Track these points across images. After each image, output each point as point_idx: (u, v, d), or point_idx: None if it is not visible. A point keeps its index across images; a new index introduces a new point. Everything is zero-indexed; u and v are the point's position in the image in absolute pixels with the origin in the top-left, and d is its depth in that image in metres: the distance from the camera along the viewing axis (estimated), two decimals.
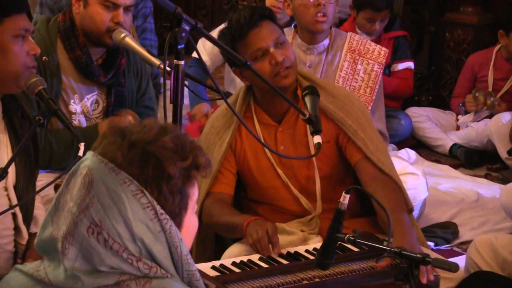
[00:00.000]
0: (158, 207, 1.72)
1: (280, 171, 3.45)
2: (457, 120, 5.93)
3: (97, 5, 3.68)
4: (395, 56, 5.83)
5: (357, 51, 4.45)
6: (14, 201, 2.88)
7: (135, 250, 1.72)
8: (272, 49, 3.33)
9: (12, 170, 2.85)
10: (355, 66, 4.45)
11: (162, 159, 1.74)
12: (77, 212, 1.73)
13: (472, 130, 5.72)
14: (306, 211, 3.44)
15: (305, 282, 2.93)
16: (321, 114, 3.39)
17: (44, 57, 3.65)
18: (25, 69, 2.81)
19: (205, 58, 5.21)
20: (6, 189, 2.88)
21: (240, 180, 3.56)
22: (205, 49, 5.22)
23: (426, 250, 3.28)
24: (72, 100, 3.79)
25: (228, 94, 4.77)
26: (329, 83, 3.72)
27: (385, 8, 5.67)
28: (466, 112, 5.83)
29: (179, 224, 1.77)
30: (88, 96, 3.83)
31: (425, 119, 5.92)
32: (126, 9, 3.72)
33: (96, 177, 1.73)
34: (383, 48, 4.53)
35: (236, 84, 5.17)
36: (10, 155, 2.86)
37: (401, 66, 5.85)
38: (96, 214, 1.71)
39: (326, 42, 4.45)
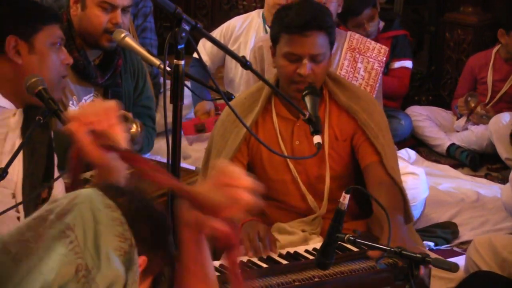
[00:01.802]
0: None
1: (291, 166, 3.46)
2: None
3: (94, 7, 3.68)
4: (393, 54, 5.84)
5: (357, 50, 4.45)
6: (20, 209, 2.86)
7: (91, 263, 1.68)
8: (305, 61, 3.31)
9: (19, 179, 2.85)
10: (355, 64, 4.45)
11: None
12: (54, 218, 1.70)
13: (472, 133, 5.72)
14: (311, 210, 3.45)
15: (305, 282, 2.93)
16: (344, 112, 3.43)
17: None
18: (60, 78, 2.86)
19: (205, 58, 5.21)
20: (14, 196, 2.87)
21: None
22: (205, 49, 5.22)
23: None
24: (70, 102, 3.78)
25: (228, 94, 4.78)
26: (354, 84, 3.74)
27: (365, 9, 5.66)
28: (461, 115, 5.85)
29: None
30: (86, 98, 3.83)
31: (425, 118, 5.92)
32: (124, 9, 3.72)
33: (85, 199, 1.72)
34: (383, 46, 4.53)
35: (235, 85, 5.17)
36: (21, 162, 2.86)
37: (397, 64, 5.86)
38: (73, 219, 1.69)
39: None
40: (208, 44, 5.21)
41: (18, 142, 2.88)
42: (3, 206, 2.78)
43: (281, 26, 3.36)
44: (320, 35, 3.32)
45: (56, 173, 2.98)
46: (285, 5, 3.45)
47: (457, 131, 5.88)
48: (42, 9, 2.90)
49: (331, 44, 3.40)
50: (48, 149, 2.95)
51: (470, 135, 5.72)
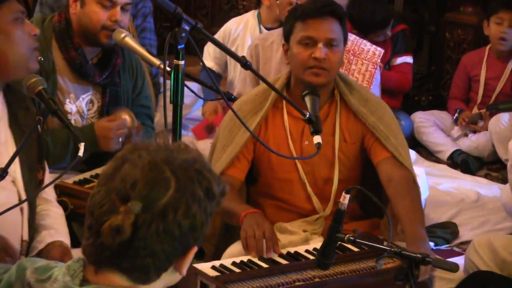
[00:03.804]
0: None
1: (299, 166, 3.45)
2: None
3: (94, 4, 3.69)
4: (394, 50, 5.87)
5: (351, 51, 4.44)
6: (22, 195, 2.86)
7: None
8: (320, 45, 3.33)
9: (16, 165, 2.84)
10: (349, 66, 4.44)
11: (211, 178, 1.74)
12: None
13: (472, 143, 5.69)
14: (314, 211, 3.45)
15: (305, 282, 2.93)
16: (351, 115, 3.45)
17: (39, 57, 3.64)
18: (31, 50, 2.83)
19: (211, 64, 5.26)
20: (14, 183, 2.87)
21: (250, 174, 3.55)
22: (210, 55, 5.27)
23: None
24: (67, 100, 3.78)
25: (228, 94, 4.80)
26: (363, 87, 3.74)
27: (392, 19, 5.76)
28: (456, 120, 5.84)
29: None
30: (83, 96, 3.83)
31: (431, 125, 5.88)
32: (123, 8, 3.72)
33: None
34: (378, 48, 4.52)
35: (234, 87, 5.18)
36: (12, 148, 2.86)
37: (399, 60, 5.89)
38: None
39: None
40: (212, 49, 5.25)
41: (8, 132, 2.87)
42: (6, 194, 2.80)
43: (295, 16, 3.39)
44: (334, 22, 3.36)
45: None
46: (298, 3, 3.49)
47: (454, 138, 5.85)
48: None
49: (345, 38, 3.42)
50: (37, 137, 2.94)
51: (471, 145, 5.69)
